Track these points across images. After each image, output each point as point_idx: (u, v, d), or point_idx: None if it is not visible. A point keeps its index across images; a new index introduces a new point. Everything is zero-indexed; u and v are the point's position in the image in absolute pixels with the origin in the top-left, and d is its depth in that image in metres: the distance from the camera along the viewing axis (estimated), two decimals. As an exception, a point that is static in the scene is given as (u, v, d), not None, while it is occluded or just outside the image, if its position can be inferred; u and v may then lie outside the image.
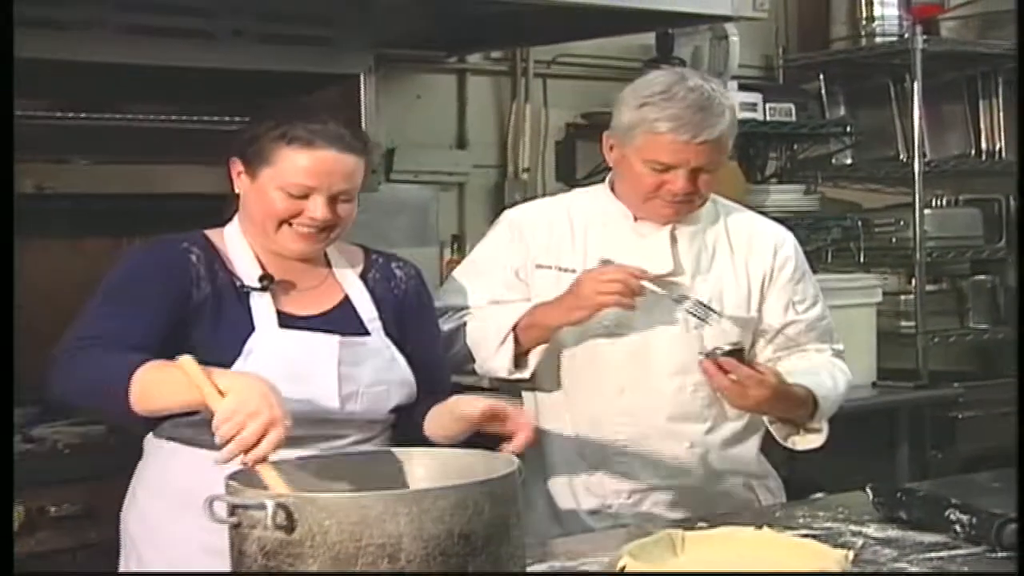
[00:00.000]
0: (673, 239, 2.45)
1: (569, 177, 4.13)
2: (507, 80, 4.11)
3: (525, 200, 4.02)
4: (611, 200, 2.48)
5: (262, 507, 1.60)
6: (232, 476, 1.72)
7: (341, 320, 2.16)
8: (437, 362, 2.27)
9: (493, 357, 2.40)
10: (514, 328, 2.38)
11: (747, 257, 2.49)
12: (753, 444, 2.51)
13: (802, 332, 2.50)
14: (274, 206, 2.11)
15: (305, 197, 2.09)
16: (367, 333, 2.16)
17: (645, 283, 2.33)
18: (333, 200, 2.10)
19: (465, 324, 2.43)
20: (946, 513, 2.02)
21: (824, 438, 2.43)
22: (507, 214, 2.56)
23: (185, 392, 1.85)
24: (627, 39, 4.14)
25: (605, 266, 2.36)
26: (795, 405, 2.39)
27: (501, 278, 2.47)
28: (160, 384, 1.89)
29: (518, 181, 4.10)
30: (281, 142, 2.09)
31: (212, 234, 2.19)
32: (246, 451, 1.77)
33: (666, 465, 2.44)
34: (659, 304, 2.39)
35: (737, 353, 2.32)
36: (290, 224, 2.11)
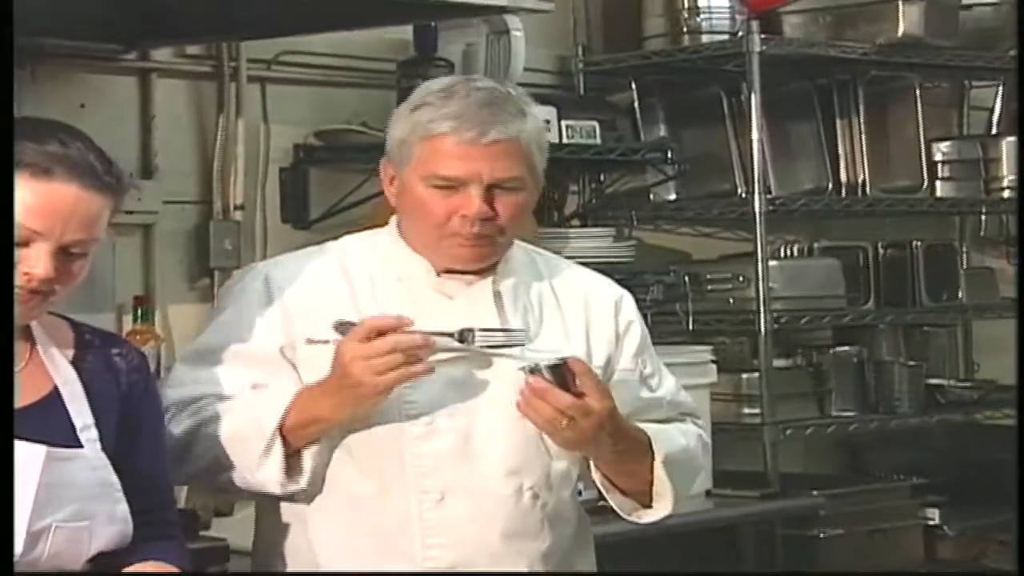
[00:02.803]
0: (497, 296, 2.50)
1: (299, 217, 4.09)
2: (210, 85, 4.05)
3: (236, 248, 4.08)
4: (402, 248, 2.52)
5: None
6: None
7: (47, 421, 2.12)
8: (162, 487, 2.27)
9: (257, 468, 2.39)
10: (280, 428, 2.38)
11: (586, 322, 2.57)
12: (590, 561, 2.60)
13: (663, 409, 2.62)
14: None
15: (25, 245, 2.07)
16: (79, 444, 2.14)
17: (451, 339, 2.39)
18: (62, 252, 2.09)
19: (209, 421, 2.42)
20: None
21: (671, 505, 2.51)
22: (259, 271, 2.57)
23: None
24: (376, 34, 4.12)
25: (358, 333, 2.37)
26: (632, 449, 2.46)
27: (263, 361, 2.47)
28: None
29: (228, 223, 4.04)
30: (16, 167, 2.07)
31: None
32: None
33: None
34: (484, 379, 2.43)
35: (561, 369, 2.36)
36: None
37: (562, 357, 2.39)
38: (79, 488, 2.11)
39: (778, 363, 4.49)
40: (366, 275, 2.51)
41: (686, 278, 4.40)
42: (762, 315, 4.33)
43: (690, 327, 4.38)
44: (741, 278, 4.41)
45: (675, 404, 2.64)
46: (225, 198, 4.04)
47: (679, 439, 2.56)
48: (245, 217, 4.07)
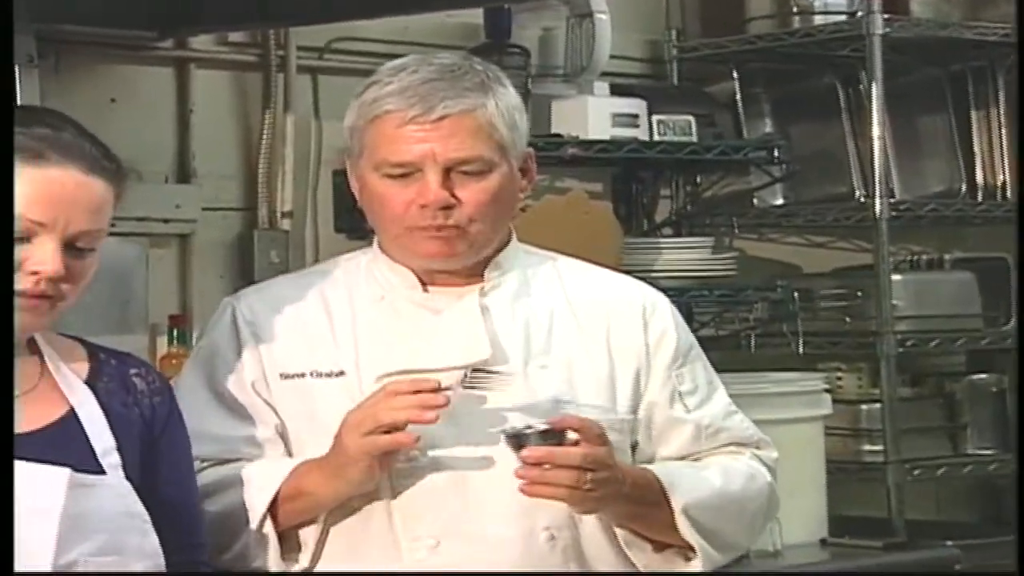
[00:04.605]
0: (484, 310, 2.52)
1: (353, 226, 4.05)
2: (256, 77, 4.13)
3: (284, 261, 4.00)
4: (387, 264, 2.56)
5: None
6: None
7: (65, 445, 2.18)
8: (192, 522, 2.33)
9: (253, 555, 2.46)
10: (270, 509, 2.44)
11: (607, 334, 2.57)
12: None
13: (701, 437, 2.59)
14: None
15: (27, 240, 2.14)
16: (101, 471, 2.20)
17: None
18: (68, 247, 2.16)
19: (202, 497, 2.45)
20: None
21: (703, 564, 2.50)
22: (225, 303, 2.64)
23: None
24: (441, 18, 4.19)
25: (374, 398, 2.41)
26: (639, 496, 2.45)
27: (250, 406, 2.53)
28: None
29: (275, 232, 4.11)
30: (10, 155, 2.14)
31: None
32: None
33: None
34: (477, 406, 2.45)
35: (550, 436, 2.35)
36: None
37: (545, 422, 2.37)
38: (105, 518, 2.16)
39: (903, 393, 4.49)
40: (346, 298, 2.56)
41: (795, 294, 4.41)
42: (884, 337, 4.32)
43: (800, 351, 4.39)
44: (859, 294, 4.42)
45: (719, 431, 2.59)
46: (271, 204, 4.11)
47: (711, 480, 2.52)
48: (293, 226, 4.13)
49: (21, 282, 2.15)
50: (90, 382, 2.27)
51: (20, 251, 2.14)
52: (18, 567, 2.09)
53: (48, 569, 2.11)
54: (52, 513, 2.12)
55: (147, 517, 2.21)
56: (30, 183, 2.14)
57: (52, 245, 2.15)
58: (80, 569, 2.13)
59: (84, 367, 2.29)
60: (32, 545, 2.10)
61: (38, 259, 2.14)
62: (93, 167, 2.18)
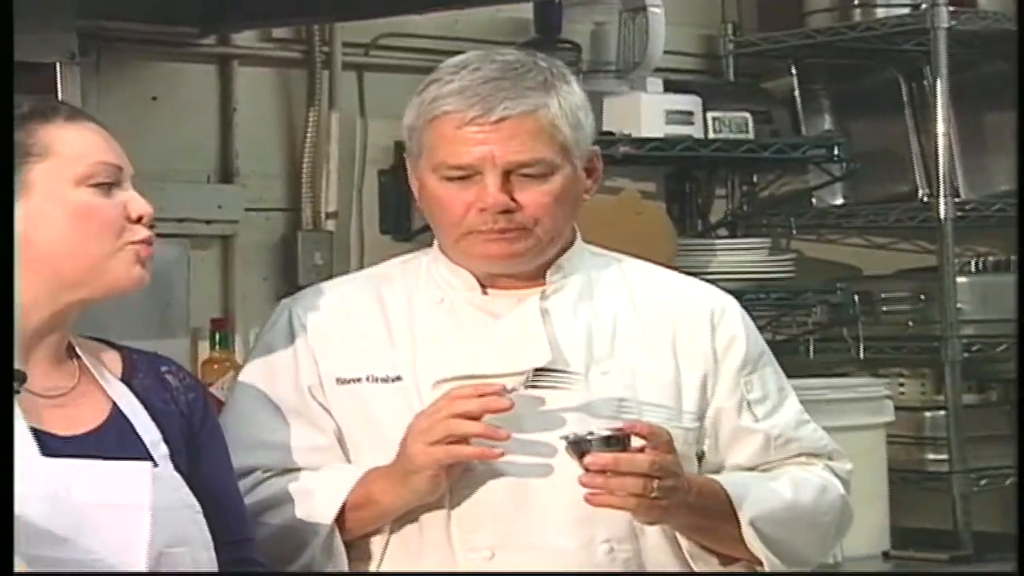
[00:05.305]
0: (544, 313, 2.54)
1: (400, 226, 4.18)
2: (300, 74, 4.16)
3: (328, 263, 4.03)
4: (446, 266, 2.59)
5: None
6: None
7: (121, 441, 2.26)
8: (239, 517, 2.40)
9: (321, 564, 2.48)
10: (337, 519, 2.47)
11: (673, 338, 2.58)
12: None
13: (771, 447, 2.60)
14: (95, 212, 2.23)
15: (116, 186, 2.25)
16: (155, 464, 2.26)
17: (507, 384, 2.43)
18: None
19: (263, 508, 2.50)
20: None
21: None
22: (283, 306, 2.66)
23: None
24: (489, 13, 4.23)
25: (435, 405, 2.45)
26: (704, 506, 2.46)
27: (308, 411, 2.56)
28: None
29: (320, 233, 4.14)
30: (40, 120, 2.24)
31: None
32: None
33: None
34: (537, 413, 2.47)
35: (614, 442, 2.36)
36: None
37: (613, 428, 2.37)
38: (168, 510, 2.21)
39: (969, 399, 4.48)
40: (405, 300, 2.58)
41: (856, 297, 4.42)
42: (949, 342, 4.32)
43: (861, 355, 4.40)
44: (923, 297, 4.42)
45: (790, 441, 2.60)
46: (316, 205, 4.14)
47: (781, 491, 2.53)
48: (338, 227, 4.17)
49: (126, 233, 2.25)
50: (125, 380, 2.34)
51: (112, 203, 2.25)
52: (109, 563, 2.14)
53: (143, 565, 2.16)
54: (142, 508, 2.17)
55: (199, 508, 2.27)
56: (82, 136, 2.25)
57: (133, 190, 2.27)
58: (167, 561, 2.19)
59: (117, 366, 2.36)
60: (122, 540, 2.16)
61: (137, 204, 2.26)
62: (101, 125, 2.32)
